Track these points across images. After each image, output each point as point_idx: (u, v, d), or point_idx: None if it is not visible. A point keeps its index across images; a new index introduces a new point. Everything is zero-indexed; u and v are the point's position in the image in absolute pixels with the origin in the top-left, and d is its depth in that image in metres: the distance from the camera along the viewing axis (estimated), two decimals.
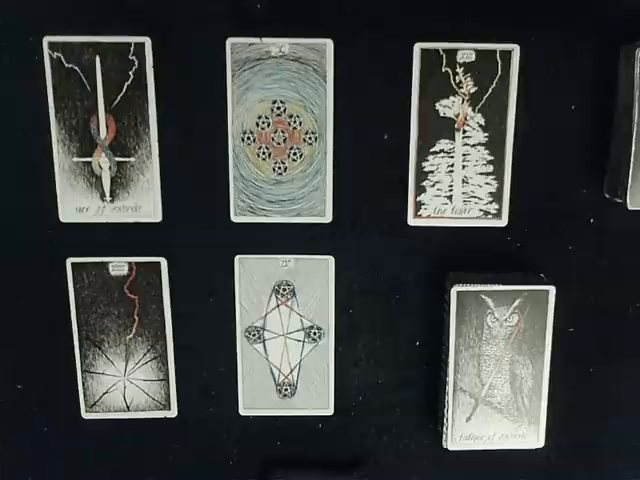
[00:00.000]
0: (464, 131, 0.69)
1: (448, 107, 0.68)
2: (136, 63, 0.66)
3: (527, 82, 0.68)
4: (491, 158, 0.69)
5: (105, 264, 0.71)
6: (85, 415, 0.75)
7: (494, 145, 0.69)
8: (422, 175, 0.70)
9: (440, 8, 0.66)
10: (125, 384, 0.74)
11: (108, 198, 0.69)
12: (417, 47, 0.67)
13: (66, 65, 0.66)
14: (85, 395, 0.74)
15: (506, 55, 0.67)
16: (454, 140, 0.69)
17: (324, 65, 0.67)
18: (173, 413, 0.75)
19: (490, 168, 0.69)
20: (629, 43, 0.65)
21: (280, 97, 0.68)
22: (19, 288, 0.72)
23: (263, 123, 0.68)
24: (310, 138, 0.69)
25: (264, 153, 0.69)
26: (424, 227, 0.71)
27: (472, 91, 0.68)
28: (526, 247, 0.72)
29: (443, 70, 0.67)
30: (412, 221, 0.71)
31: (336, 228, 0.71)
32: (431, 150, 0.69)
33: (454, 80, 0.67)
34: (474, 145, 0.69)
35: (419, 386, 0.76)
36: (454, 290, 0.69)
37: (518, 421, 0.72)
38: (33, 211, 0.70)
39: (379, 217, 0.71)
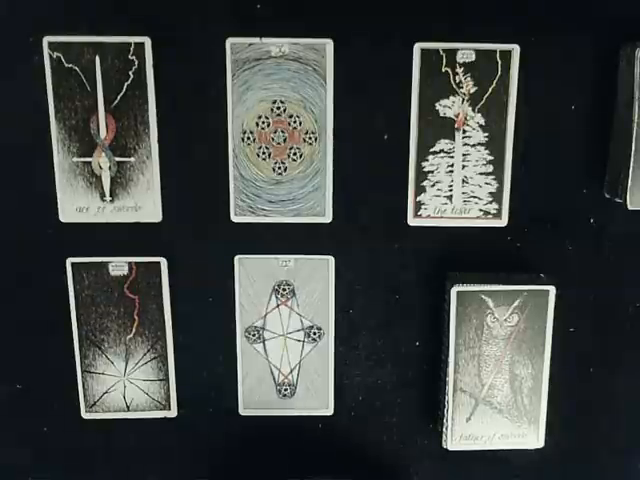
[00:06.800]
0: (464, 131, 0.69)
1: (448, 107, 0.68)
2: (136, 63, 0.66)
3: (527, 82, 0.68)
4: (491, 158, 0.69)
5: (105, 264, 0.71)
6: (85, 415, 0.75)
7: (494, 145, 0.69)
8: (422, 175, 0.69)
9: (440, 8, 0.66)
10: (125, 384, 0.74)
11: (108, 198, 0.69)
12: (417, 47, 0.67)
13: (66, 65, 0.66)
14: (85, 395, 0.74)
15: (506, 55, 0.67)
16: (454, 140, 0.69)
17: (324, 65, 0.67)
18: (173, 413, 0.75)
19: (490, 168, 0.69)
20: (629, 43, 0.65)
21: (280, 97, 0.68)
22: (19, 288, 0.72)
23: (263, 123, 0.68)
24: (310, 138, 0.69)
25: (264, 153, 0.69)
26: (424, 227, 0.71)
27: (472, 91, 0.68)
28: (526, 247, 0.72)
29: (443, 70, 0.67)
30: (412, 221, 0.71)
31: (336, 228, 0.71)
32: (431, 150, 0.69)
33: (454, 80, 0.67)
34: (474, 145, 0.69)
35: (419, 386, 0.76)
36: (454, 290, 0.69)
37: (518, 421, 0.72)
38: (33, 211, 0.70)
39: (379, 217, 0.71)
